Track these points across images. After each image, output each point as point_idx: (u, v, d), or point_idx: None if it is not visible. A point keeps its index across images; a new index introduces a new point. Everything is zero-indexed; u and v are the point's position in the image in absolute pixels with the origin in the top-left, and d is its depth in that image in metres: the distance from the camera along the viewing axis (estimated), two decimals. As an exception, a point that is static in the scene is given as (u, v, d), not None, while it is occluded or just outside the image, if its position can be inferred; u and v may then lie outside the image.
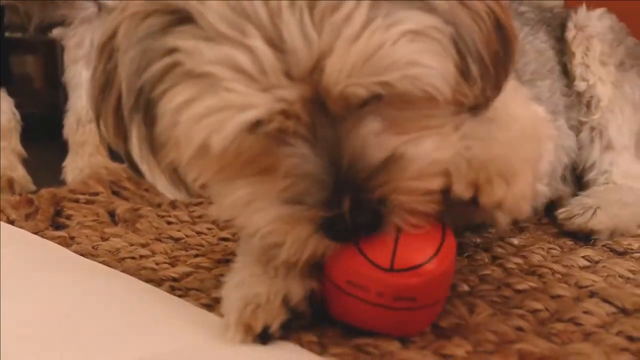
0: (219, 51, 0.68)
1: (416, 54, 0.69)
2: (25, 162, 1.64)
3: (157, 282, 0.98)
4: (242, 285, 0.80)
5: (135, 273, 1.02)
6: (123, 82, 0.75)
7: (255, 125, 0.69)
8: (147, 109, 0.75)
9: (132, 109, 0.76)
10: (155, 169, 0.79)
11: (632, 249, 1.09)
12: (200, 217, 1.31)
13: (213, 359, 0.76)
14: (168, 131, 0.74)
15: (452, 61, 0.73)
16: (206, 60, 0.68)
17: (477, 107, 0.79)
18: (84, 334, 0.82)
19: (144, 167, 0.79)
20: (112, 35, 0.77)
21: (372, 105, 0.72)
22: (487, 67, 0.77)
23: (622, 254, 1.08)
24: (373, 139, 0.72)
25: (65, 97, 1.73)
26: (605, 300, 0.87)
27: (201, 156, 0.73)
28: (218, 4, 0.68)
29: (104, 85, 0.79)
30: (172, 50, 0.71)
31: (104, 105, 0.80)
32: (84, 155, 1.66)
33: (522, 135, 0.82)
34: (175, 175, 0.80)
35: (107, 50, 0.78)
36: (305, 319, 0.79)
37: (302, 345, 0.77)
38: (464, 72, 0.75)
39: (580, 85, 1.27)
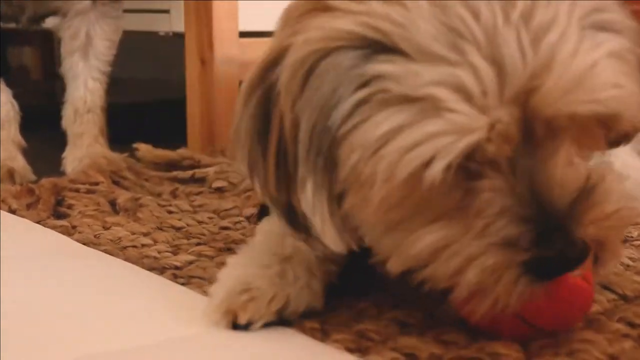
0: (439, 71, 0.63)
1: (619, 76, 0.67)
2: (25, 153, 1.63)
3: (160, 270, 0.98)
4: (246, 269, 0.80)
5: (137, 261, 1.02)
6: (303, 123, 0.67)
7: (474, 151, 0.64)
8: (329, 151, 0.67)
9: (316, 154, 0.68)
10: (327, 220, 0.70)
11: (632, 237, 1.10)
12: (200, 206, 1.31)
13: (214, 345, 0.76)
14: (356, 171, 0.66)
15: (638, 84, 0.70)
16: (424, 82, 0.63)
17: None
18: (87, 321, 0.83)
19: (316, 219, 0.70)
20: (272, 67, 0.70)
21: (567, 130, 0.67)
22: None
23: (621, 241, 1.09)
24: (570, 165, 0.68)
25: (63, 88, 1.73)
26: (606, 288, 0.87)
27: (399, 192, 0.66)
28: (428, 26, 0.64)
29: (261, 126, 0.71)
30: (369, 80, 0.65)
31: (260, 151, 0.72)
32: (83, 146, 1.65)
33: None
34: (342, 225, 0.71)
35: (264, 86, 0.71)
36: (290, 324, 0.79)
37: (304, 331, 0.77)
38: None
39: None
